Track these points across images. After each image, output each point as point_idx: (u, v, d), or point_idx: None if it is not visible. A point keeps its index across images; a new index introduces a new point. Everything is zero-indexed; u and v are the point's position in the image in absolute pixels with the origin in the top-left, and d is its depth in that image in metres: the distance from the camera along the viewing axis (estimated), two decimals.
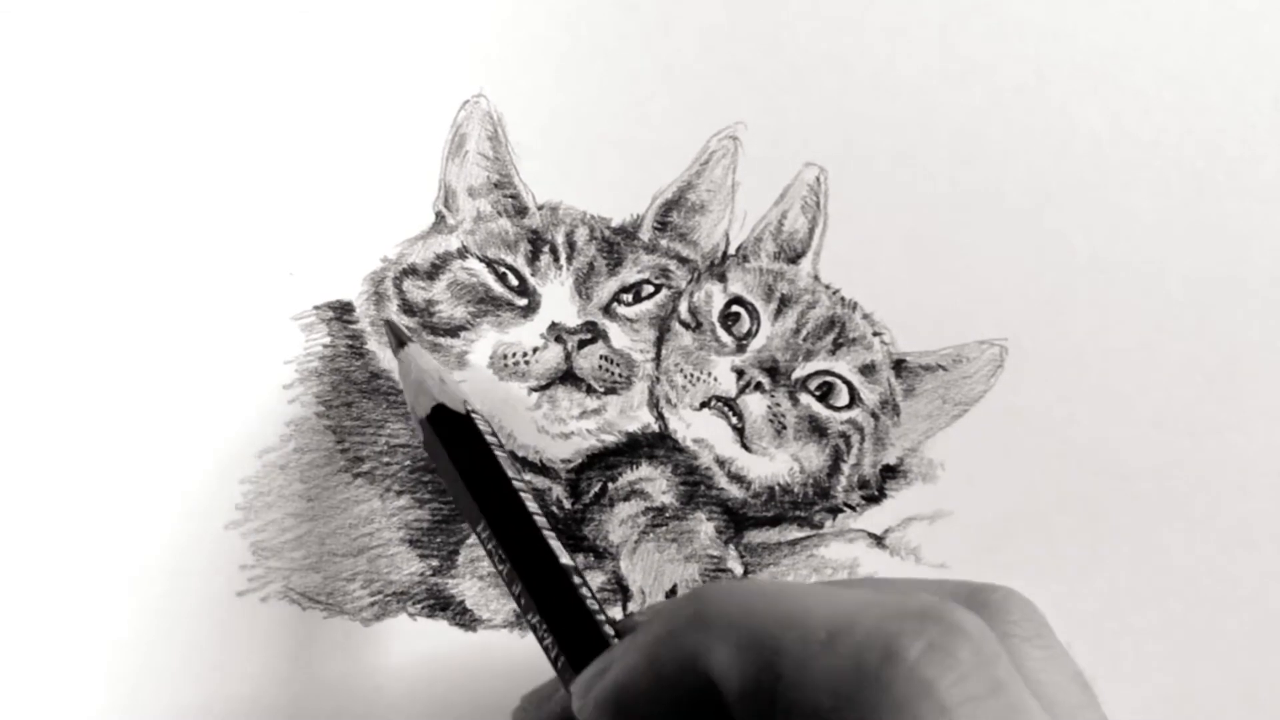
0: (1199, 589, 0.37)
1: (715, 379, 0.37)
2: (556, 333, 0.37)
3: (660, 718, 0.21)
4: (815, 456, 0.37)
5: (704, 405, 0.37)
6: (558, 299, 0.37)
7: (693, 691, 0.20)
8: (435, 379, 0.32)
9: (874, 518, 0.38)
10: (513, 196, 0.37)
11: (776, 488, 0.37)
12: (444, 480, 0.32)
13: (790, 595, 0.20)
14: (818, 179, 0.37)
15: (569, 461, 0.37)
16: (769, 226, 0.38)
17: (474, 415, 0.32)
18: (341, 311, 0.37)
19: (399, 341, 0.34)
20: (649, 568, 0.37)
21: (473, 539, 0.36)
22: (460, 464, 0.31)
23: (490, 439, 0.31)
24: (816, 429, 0.37)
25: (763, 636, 0.19)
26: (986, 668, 0.17)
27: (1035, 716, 0.17)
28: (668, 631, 0.21)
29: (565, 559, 0.29)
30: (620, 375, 0.37)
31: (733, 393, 0.37)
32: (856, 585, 0.23)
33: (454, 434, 0.31)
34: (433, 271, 0.37)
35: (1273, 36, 0.38)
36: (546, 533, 0.30)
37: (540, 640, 0.28)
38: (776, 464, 0.37)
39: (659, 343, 0.37)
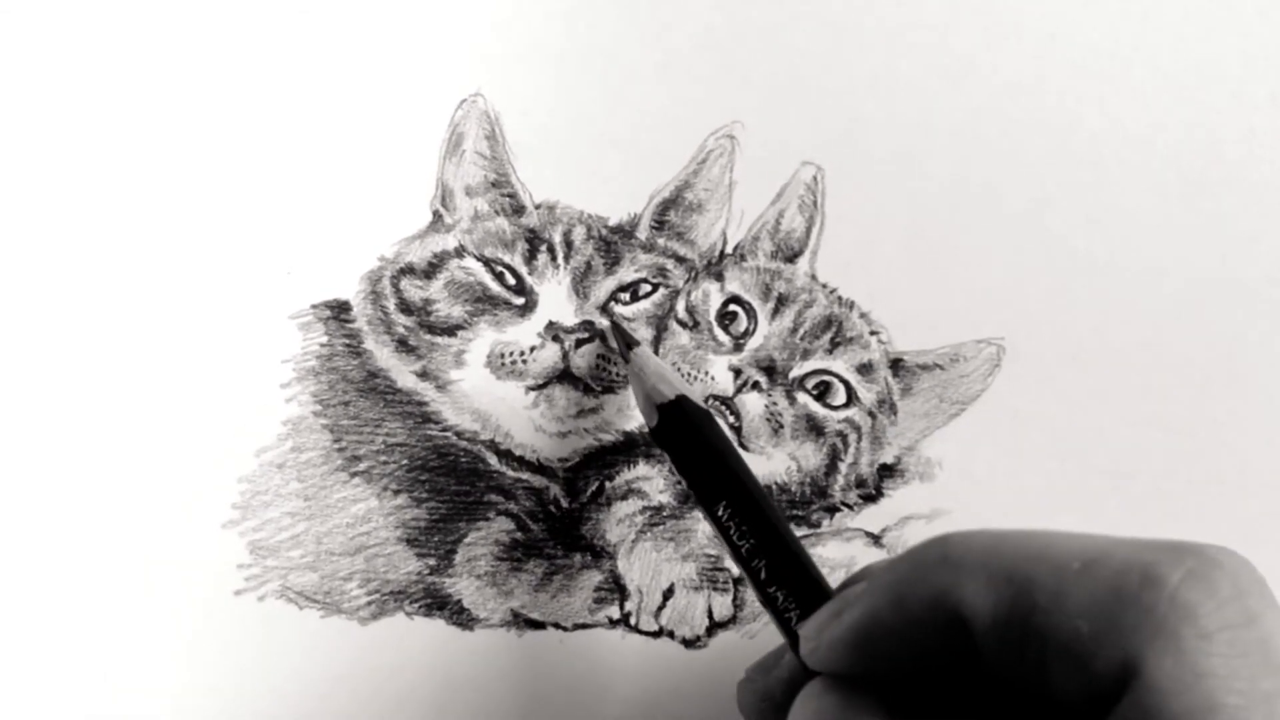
0: None
1: (712, 378, 0.37)
2: (554, 332, 0.37)
3: (901, 654, 0.22)
4: (812, 455, 0.37)
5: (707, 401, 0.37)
6: (555, 298, 0.37)
7: (938, 628, 0.21)
8: (675, 374, 0.34)
9: (871, 517, 0.38)
10: (510, 195, 0.37)
11: (774, 487, 0.37)
12: (676, 466, 0.34)
13: (1037, 534, 0.20)
14: (815, 178, 0.37)
15: (566, 460, 0.37)
16: (766, 225, 0.37)
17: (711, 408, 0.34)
18: (339, 310, 0.37)
19: (628, 344, 0.35)
20: (646, 566, 0.37)
21: (470, 538, 0.36)
22: (700, 450, 0.32)
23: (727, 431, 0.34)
24: (813, 428, 0.37)
25: (1014, 570, 0.19)
26: (1243, 598, 0.18)
27: None
28: (913, 571, 0.21)
29: (794, 534, 0.31)
30: (617, 374, 0.37)
31: (730, 392, 0.37)
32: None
33: (691, 423, 0.33)
34: (430, 270, 0.37)
35: (1271, 36, 0.38)
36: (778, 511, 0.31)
37: (774, 605, 0.29)
38: (774, 463, 0.37)
39: (656, 341, 0.37)
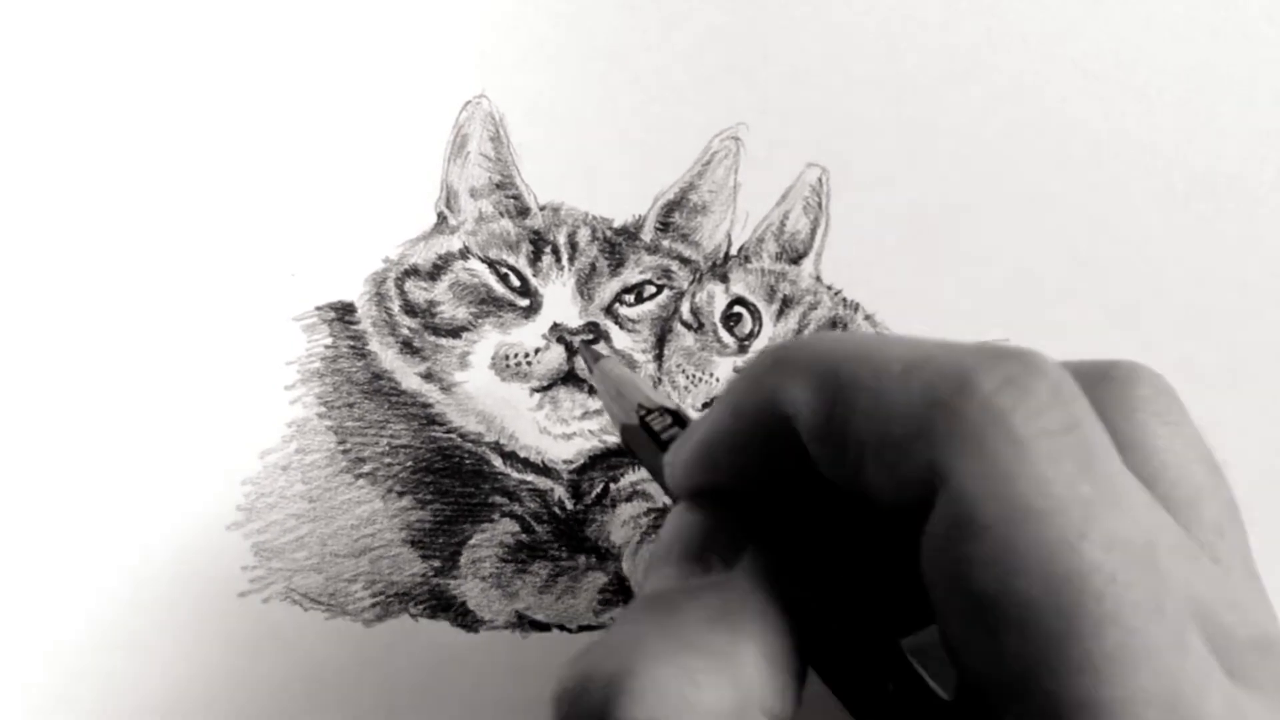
0: None
1: (717, 380, 0.37)
2: (558, 333, 0.37)
3: (742, 463, 0.21)
4: None
5: (706, 406, 0.37)
6: (560, 300, 0.37)
7: (771, 433, 0.20)
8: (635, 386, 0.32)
9: None
10: (514, 197, 0.37)
11: None
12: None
13: (869, 337, 0.20)
14: (820, 180, 0.37)
15: (571, 462, 0.37)
16: (771, 227, 0.38)
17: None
18: (343, 312, 0.37)
19: (595, 357, 0.34)
20: None
21: (474, 540, 0.36)
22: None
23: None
24: None
25: (838, 372, 0.18)
26: (1064, 405, 0.17)
27: (1109, 457, 0.17)
28: (747, 378, 0.21)
29: None
30: None
31: None
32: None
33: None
34: (434, 272, 0.37)
35: (1273, 36, 0.38)
36: None
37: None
38: None
39: (661, 343, 0.37)
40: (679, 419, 0.31)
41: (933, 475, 0.17)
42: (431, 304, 0.37)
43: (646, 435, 0.30)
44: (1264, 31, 0.38)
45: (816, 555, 0.20)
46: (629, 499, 0.37)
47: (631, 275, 0.37)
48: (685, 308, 0.37)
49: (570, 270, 0.37)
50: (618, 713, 0.17)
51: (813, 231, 0.37)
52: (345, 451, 0.36)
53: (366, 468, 0.36)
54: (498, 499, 0.37)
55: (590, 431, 0.37)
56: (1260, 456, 0.38)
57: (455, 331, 0.37)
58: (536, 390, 0.37)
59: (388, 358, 0.37)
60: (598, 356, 0.34)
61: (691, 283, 0.38)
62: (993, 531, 0.16)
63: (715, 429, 0.21)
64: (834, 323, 0.37)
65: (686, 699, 0.17)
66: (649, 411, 0.31)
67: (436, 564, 0.37)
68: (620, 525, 0.37)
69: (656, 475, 0.31)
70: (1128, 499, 0.16)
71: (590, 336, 0.37)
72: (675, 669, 0.17)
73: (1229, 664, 0.17)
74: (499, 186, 0.37)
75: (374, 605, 0.36)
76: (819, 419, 0.19)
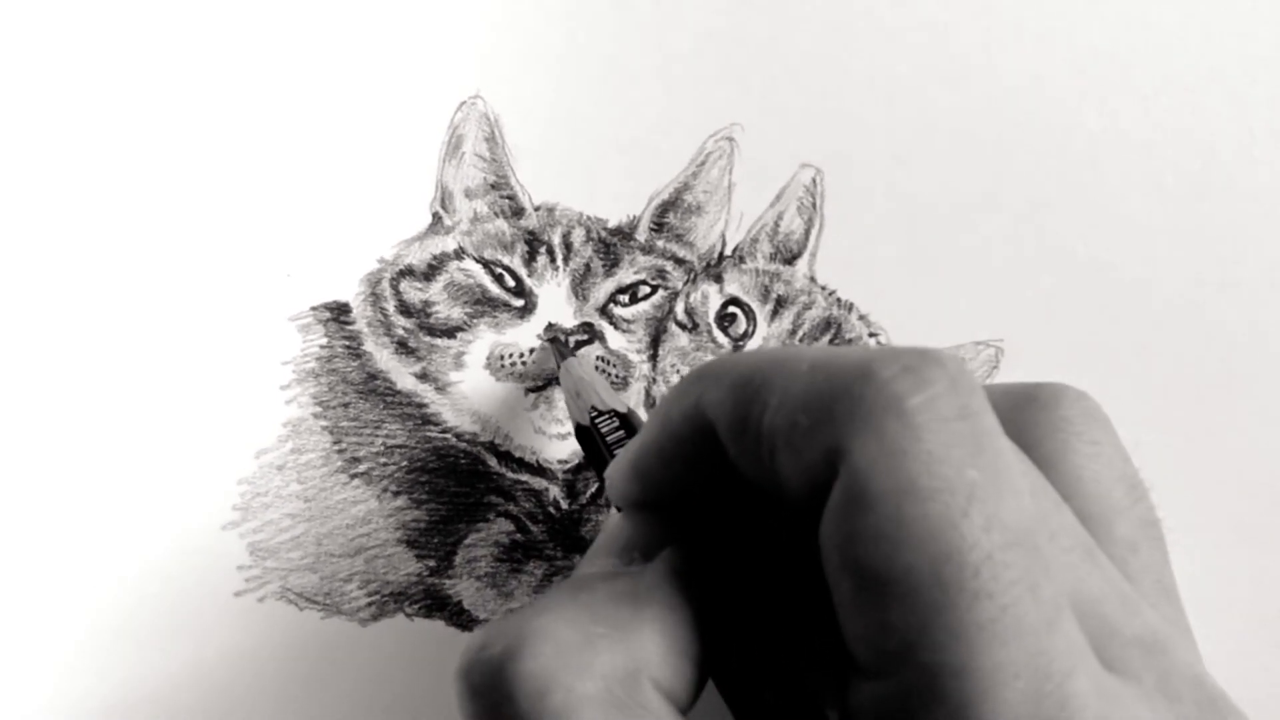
0: (1198, 589, 0.37)
1: None
2: (553, 334, 0.37)
3: (671, 474, 0.22)
4: None
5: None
6: (554, 300, 0.37)
7: (697, 442, 0.21)
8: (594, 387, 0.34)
9: None
10: (509, 197, 0.37)
11: None
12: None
13: (783, 348, 0.20)
14: (814, 180, 0.37)
15: (565, 462, 0.37)
16: (765, 227, 0.38)
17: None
18: (338, 312, 0.37)
19: (563, 355, 0.36)
20: None
21: (469, 539, 0.36)
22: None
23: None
24: None
25: (752, 375, 0.20)
26: (959, 394, 0.18)
27: (998, 447, 0.18)
28: (675, 392, 0.22)
29: None
30: (617, 376, 0.37)
31: None
32: None
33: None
34: (429, 272, 0.37)
35: (1271, 38, 0.38)
36: None
37: None
38: None
39: (655, 344, 0.37)
40: (627, 424, 0.32)
41: (834, 457, 0.18)
42: (426, 304, 0.37)
43: (597, 437, 0.32)
44: (1259, 33, 0.37)
45: (730, 564, 0.21)
46: None
47: (626, 275, 0.37)
48: (680, 308, 0.37)
49: (565, 270, 0.37)
50: (516, 664, 0.18)
51: (807, 232, 0.37)
52: (340, 451, 0.36)
53: (362, 467, 0.37)
54: (493, 499, 0.37)
55: None
56: (1259, 457, 0.38)
57: (450, 332, 0.37)
58: (531, 390, 0.37)
59: (383, 358, 0.37)
60: (565, 355, 0.35)
61: (686, 283, 0.38)
62: (882, 505, 0.17)
63: (646, 442, 0.23)
64: (828, 323, 0.37)
65: (582, 657, 0.18)
66: (600, 414, 0.32)
67: (432, 563, 0.37)
68: None
69: (600, 478, 0.31)
70: (1012, 486, 0.17)
71: (584, 337, 0.37)
72: (575, 631, 0.19)
73: (1109, 654, 0.18)
74: (494, 187, 0.37)
75: (369, 605, 0.36)
76: (735, 417, 0.20)
